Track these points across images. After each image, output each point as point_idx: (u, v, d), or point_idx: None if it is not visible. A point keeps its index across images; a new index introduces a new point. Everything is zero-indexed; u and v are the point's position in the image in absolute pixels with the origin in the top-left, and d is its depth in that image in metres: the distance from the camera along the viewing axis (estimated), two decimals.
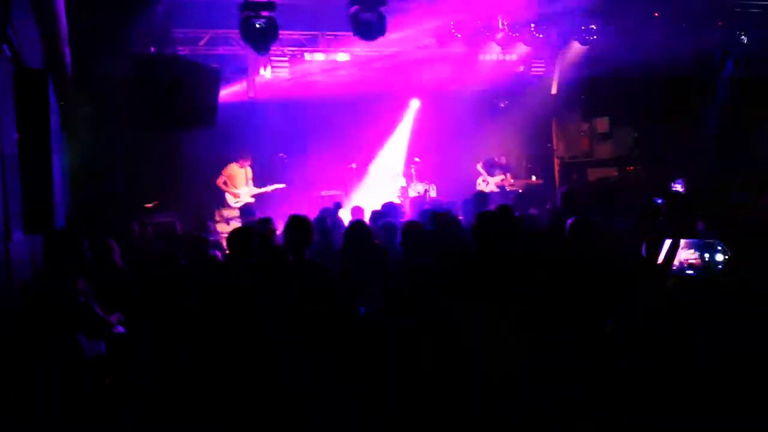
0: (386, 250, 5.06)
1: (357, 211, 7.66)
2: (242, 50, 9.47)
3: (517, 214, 5.97)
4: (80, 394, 3.18)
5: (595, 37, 9.95)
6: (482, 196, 7.31)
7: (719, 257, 3.90)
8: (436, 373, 2.95)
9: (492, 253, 3.99)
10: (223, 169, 9.97)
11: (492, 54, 10.62)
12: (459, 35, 9.43)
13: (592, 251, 4.14)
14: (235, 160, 10.01)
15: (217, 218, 9.67)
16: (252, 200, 9.98)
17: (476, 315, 3.12)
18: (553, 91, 11.68)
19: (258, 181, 10.20)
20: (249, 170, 10.12)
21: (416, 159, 11.28)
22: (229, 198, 9.89)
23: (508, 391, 2.84)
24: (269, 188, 10.10)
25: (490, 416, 2.78)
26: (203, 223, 7.89)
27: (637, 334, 3.24)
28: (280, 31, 9.02)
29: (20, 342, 3.23)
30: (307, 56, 10.08)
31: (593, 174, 12.23)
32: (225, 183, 9.93)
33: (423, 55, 10.66)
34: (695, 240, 4.06)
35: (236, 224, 8.84)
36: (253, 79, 9.97)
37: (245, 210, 9.18)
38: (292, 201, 10.01)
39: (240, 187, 10.00)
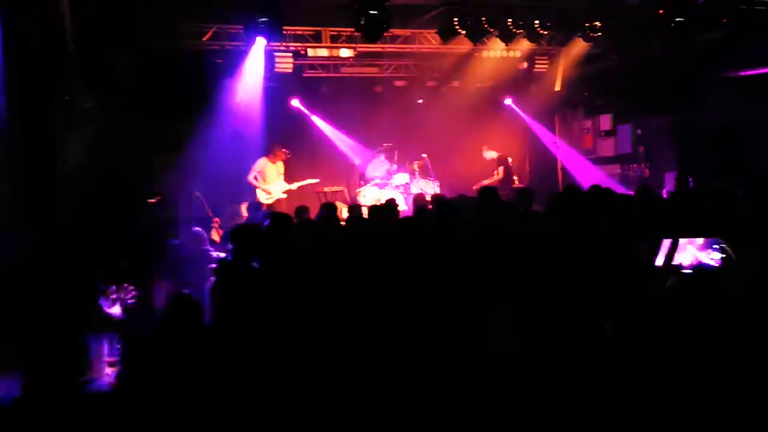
0: None
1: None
2: (246, 45, 9.49)
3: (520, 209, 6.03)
4: None
5: (599, 33, 9.93)
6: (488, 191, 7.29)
7: (717, 256, 3.93)
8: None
9: (492, 251, 4.02)
10: (251, 164, 9.88)
11: (495, 50, 10.61)
12: (462, 32, 9.41)
13: (593, 249, 4.15)
14: (266, 154, 9.92)
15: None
16: (284, 196, 9.90)
17: (473, 314, 3.15)
18: (557, 87, 11.66)
19: None
20: (281, 165, 10.00)
21: (423, 155, 11.28)
22: (260, 194, 9.75)
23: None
24: (302, 183, 10.05)
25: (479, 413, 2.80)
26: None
27: (637, 334, 3.26)
28: (284, 26, 9.06)
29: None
30: (311, 52, 10.08)
31: (597, 171, 12.22)
32: (256, 178, 9.83)
33: (426, 51, 10.67)
34: (695, 239, 4.08)
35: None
36: (257, 74, 9.97)
37: (252, 206, 9.19)
38: (294, 197, 10.04)
39: (272, 182, 9.88)
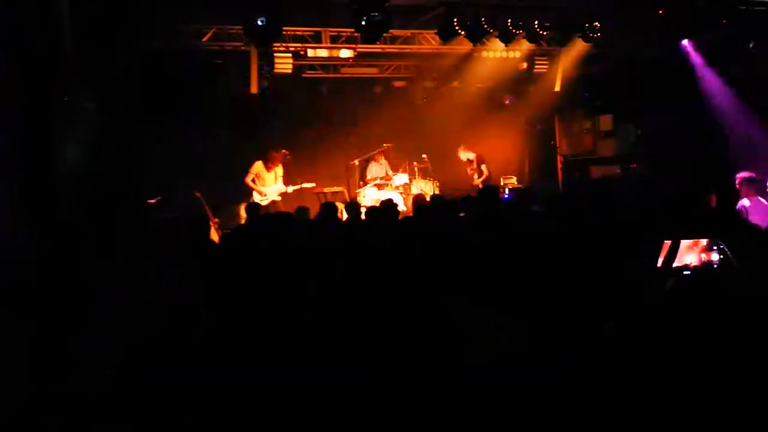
0: None
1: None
2: (246, 46, 9.49)
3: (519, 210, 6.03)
4: None
5: (599, 34, 9.94)
6: (489, 190, 7.29)
7: (715, 256, 3.94)
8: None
9: (492, 250, 4.02)
10: (248, 165, 9.91)
11: (495, 51, 10.61)
12: (462, 32, 9.42)
13: (592, 249, 4.15)
14: (262, 157, 9.95)
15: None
16: (279, 198, 9.92)
17: (473, 313, 3.15)
18: (557, 88, 11.67)
19: None
20: (280, 168, 10.04)
21: (423, 155, 11.29)
22: (255, 196, 9.81)
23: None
24: (298, 187, 10.06)
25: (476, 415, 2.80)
26: (203, 220, 7.90)
27: (637, 334, 3.26)
28: (284, 27, 9.06)
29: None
30: (311, 52, 10.08)
31: (596, 172, 12.23)
32: (253, 181, 9.87)
33: (426, 51, 10.68)
34: (698, 240, 4.08)
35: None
36: (256, 75, 9.97)
37: (250, 207, 9.19)
38: (294, 197, 10.05)
39: (268, 185, 9.92)
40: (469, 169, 11.49)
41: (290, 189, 10.03)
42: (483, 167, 11.29)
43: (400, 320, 3.16)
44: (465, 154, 11.47)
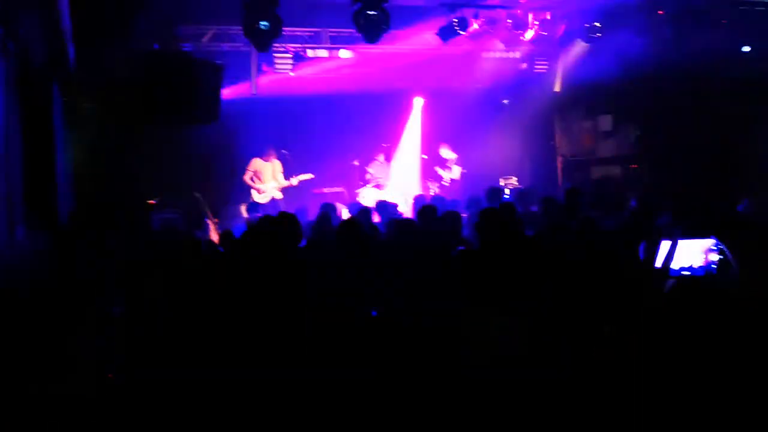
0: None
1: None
2: (245, 47, 9.49)
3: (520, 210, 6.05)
4: None
5: (599, 34, 9.94)
6: (495, 191, 7.28)
7: (714, 257, 3.94)
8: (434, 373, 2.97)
9: (494, 251, 4.02)
10: (247, 165, 9.98)
11: (495, 51, 10.62)
12: (462, 32, 9.43)
13: (593, 250, 4.16)
14: (259, 155, 10.00)
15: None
16: (280, 195, 9.98)
17: (473, 314, 3.15)
18: (557, 88, 11.66)
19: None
20: (277, 164, 10.10)
21: (423, 156, 11.28)
22: (254, 193, 9.88)
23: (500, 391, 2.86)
24: (298, 179, 10.10)
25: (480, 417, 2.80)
26: (200, 220, 7.93)
27: (637, 335, 3.26)
28: (283, 28, 9.07)
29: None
30: (310, 53, 10.09)
31: (596, 172, 12.23)
32: (252, 179, 9.94)
33: (426, 51, 10.67)
34: (693, 241, 4.08)
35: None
36: (256, 76, 9.98)
37: (251, 206, 9.21)
38: (294, 198, 10.06)
39: (267, 181, 9.98)
40: (441, 167, 11.38)
41: (295, 181, 10.07)
42: (457, 169, 11.19)
43: (400, 321, 3.17)
44: (447, 153, 11.37)
